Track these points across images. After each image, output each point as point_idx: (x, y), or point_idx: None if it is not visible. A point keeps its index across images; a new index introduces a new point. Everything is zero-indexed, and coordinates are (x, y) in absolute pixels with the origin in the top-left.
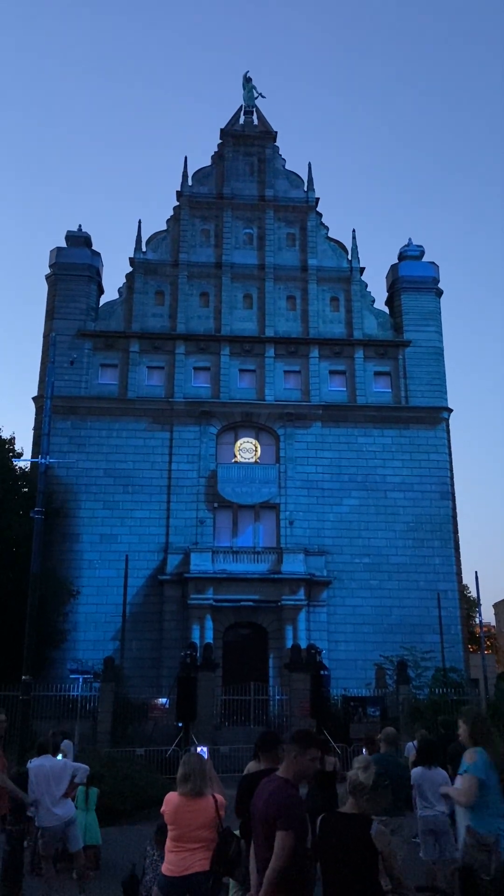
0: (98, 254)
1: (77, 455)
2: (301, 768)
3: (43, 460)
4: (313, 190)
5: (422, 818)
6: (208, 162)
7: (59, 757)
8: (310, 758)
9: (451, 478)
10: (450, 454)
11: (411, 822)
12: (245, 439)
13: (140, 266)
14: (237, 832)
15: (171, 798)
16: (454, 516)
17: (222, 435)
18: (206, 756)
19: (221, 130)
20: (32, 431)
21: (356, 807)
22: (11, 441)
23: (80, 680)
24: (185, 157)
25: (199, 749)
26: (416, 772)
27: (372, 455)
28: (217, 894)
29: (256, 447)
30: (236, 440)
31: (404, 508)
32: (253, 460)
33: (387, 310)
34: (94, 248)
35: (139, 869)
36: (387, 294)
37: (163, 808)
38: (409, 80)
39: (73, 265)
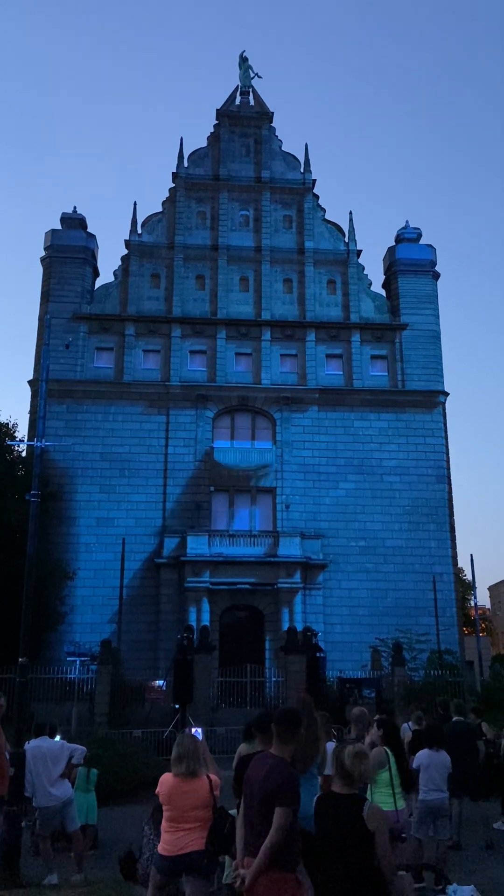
0: (93, 236)
1: (73, 439)
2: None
3: (38, 443)
4: (310, 171)
5: (426, 800)
6: (204, 143)
7: (57, 738)
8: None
9: (447, 461)
10: (446, 438)
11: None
12: (241, 423)
13: (135, 248)
14: (232, 811)
15: (166, 779)
16: (450, 500)
17: (218, 419)
18: (200, 737)
19: (217, 111)
20: (28, 415)
21: (346, 787)
22: (12, 427)
23: (78, 662)
24: (181, 139)
25: (193, 730)
26: (422, 754)
27: (368, 439)
28: (213, 872)
29: (253, 431)
30: (233, 424)
31: (400, 492)
32: (249, 444)
33: (384, 293)
34: (89, 230)
35: (136, 848)
36: (384, 277)
37: (157, 790)
38: (408, 61)
39: (68, 247)
